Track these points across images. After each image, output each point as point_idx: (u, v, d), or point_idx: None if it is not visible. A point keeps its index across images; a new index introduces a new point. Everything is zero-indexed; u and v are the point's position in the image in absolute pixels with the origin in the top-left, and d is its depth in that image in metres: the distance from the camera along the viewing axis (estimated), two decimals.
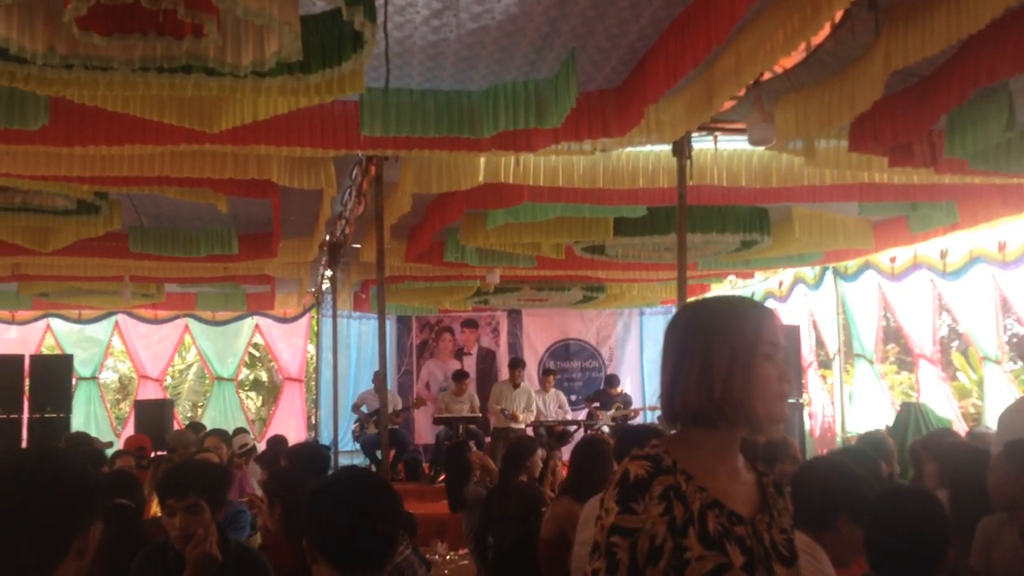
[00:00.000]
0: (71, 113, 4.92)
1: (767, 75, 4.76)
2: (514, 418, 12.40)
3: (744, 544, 1.90)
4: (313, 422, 15.75)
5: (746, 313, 2.04)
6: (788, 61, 4.68)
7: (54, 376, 12.78)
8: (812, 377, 12.74)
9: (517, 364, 13.24)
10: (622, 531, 1.89)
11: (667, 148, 5.99)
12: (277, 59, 3.79)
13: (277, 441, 9.00)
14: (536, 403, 12.96)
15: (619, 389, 13.84)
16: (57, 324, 14.96)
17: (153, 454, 9.13)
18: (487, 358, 15.72)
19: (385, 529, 2.26)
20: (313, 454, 6.40)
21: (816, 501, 2.98)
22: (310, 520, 2.29)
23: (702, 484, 1.93)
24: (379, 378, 6.96)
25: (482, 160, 6.15)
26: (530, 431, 12.27)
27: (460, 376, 13.16)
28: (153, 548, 3.55)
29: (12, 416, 12.30)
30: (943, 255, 9.31)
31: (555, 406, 13.28)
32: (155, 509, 5.36)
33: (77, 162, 5.66)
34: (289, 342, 15.91)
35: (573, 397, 14.83)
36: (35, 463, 1.91)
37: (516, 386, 12.79)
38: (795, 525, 2.11)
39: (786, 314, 12.42)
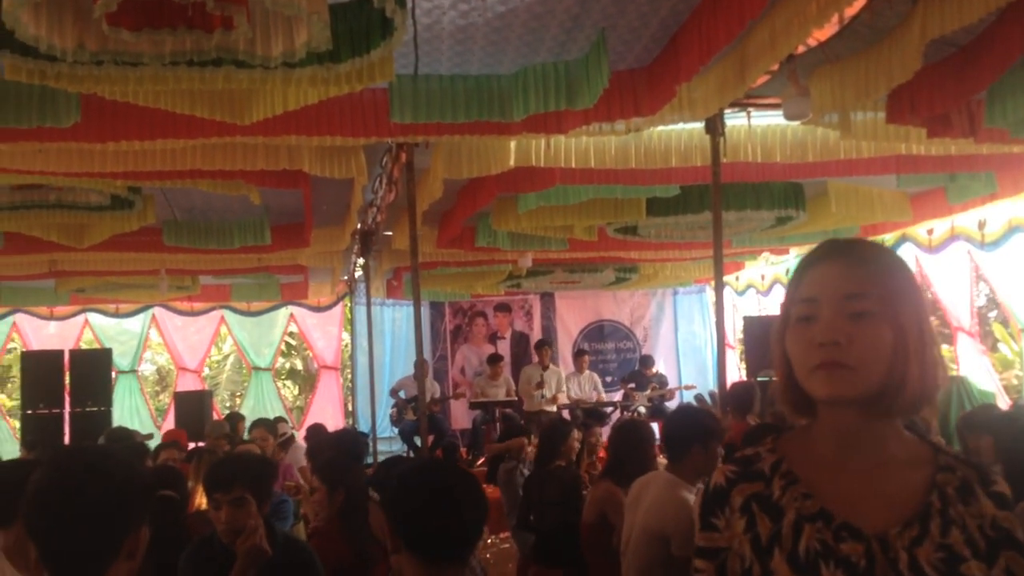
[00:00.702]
0: (102, 109, 4.94)
1: (801, 48, 4.69)
2: (553, 400, 12.38)
3: (854, 567, 1.49)
4: (350, 409, 15.83)
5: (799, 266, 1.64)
6: (822, 33, 4.60)
7: (94, 370, 12.94)
8: None
9: (543, 344, 13.19)
10: (704, 552, 1.62)
11: (700, 126, 5.93)
12: (307, 49, 3.78)
13: (317, 429, 9.04)
14: (570, 385, 12.92)
15: (654, 370, 13.80)
16: (95, 319, 15.10)
17: (192, 445, 9.22)
18: (521, 342, 15.66)
19: (472, 519, 2.26)
20: (353, 441, 6.45)
21: None
22: (394, 510, 2.27)
23: (812, 489, 1.56)
24: (419, 367, 6.95)
25: (513, 144, 6.12)
26: (565, 413, 12.24)
27: (495, 360, 13.13)
28: (200, 541, 3.57)
29: (54, 411, 12.48)
30: (981, 226, 9.11)
31: (590, 387, 13.22)
32: (198, 501, 5.40)
33: (110, 158, 5.69)
34: (324, 331, 16.00)
35: (608, 379, 14.76)
36: (87, 461, 1.91)
37: (545, 368, 12.73)
38: None
39: None
